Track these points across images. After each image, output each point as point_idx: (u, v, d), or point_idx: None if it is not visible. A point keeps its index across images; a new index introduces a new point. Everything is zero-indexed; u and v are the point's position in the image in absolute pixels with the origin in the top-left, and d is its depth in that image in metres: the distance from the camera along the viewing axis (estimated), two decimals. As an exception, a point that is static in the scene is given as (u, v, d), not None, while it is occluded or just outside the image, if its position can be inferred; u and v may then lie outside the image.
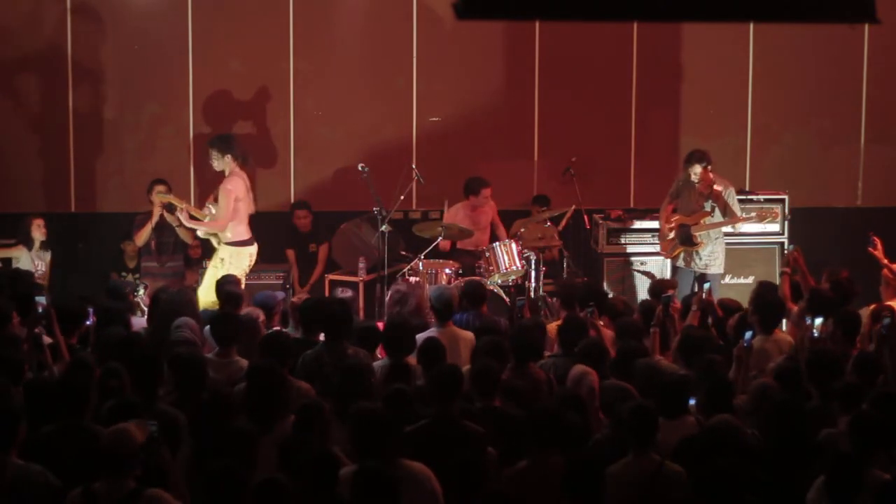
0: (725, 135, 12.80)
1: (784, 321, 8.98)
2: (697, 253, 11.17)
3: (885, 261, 10.09)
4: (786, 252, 10.91)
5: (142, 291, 9.76)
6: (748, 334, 7.69)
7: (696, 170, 11.09)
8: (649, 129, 13.06)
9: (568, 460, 5.74)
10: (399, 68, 12.74)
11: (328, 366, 7.53)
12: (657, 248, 11.94)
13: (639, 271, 12.06)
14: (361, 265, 11.72)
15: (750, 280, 11.60)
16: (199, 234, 10.86)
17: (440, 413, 6.51)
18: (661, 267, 12.02)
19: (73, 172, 12.50)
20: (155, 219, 11.21)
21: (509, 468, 6.08)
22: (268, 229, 12.16)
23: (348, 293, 9.45)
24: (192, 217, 10.62)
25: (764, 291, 8.83)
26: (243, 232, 10.65)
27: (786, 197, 12.17)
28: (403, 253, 11.80)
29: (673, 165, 12.89)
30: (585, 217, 12.15)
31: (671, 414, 6.55)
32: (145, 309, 9.53)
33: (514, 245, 11.32)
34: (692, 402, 6.79)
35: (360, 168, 11.42)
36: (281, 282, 12.07)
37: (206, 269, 10.93)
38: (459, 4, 5.51)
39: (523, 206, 12.59)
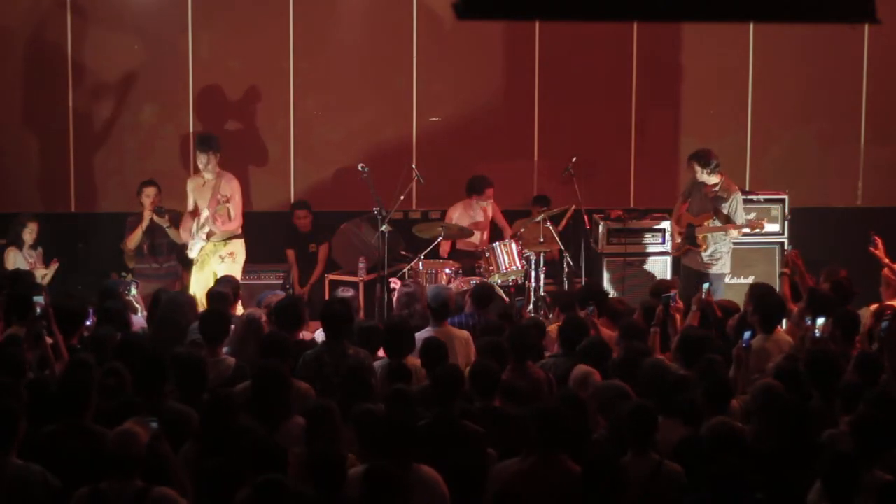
0: (725, 135, 12.80)
1: (784, 321, 8.98)
2: (699, 252, 11.18)
3: (886, 260, 10.09)
4: (785, 253, 10.93)
5: (133, 291, 9.76)
6: (747, 334, 7.70)
7: (696, 168, 11.11)
8: (649, 130, 13.06)
9: (587, 461, 5.74)
10: (399, 68, 12.74)
11: (328, 366, 7.53)
12: (657, 248, 11.95)
13: (638, 271, 12.05)
14: (361, 265, 11.72)
15: (750, 280, 11.59)
16: (219, 235, 10.87)
17: (440, 413, 6.51)
18: (661, 267, 12.02)
19: (73, 172, 12.50)
20: (145, 223, 11.21)
21: (508, 468, 6.07)
22: (268, 229, 12.19)
23: (350, 292, 9.42)
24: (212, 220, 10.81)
25: (762, 292, 8.83)
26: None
27: (786, 197, 12.17)
28: (403, 253, 11.80)
29: (673, 165, 12.91)
30: (585, 217, 12.15)
31: (673, 413, 6.55)
32: (138, 307, 9.54)
33: (514, 245, 11.32)
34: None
35: (360, 168, 11.42)
36: (281, 282, 12.08)
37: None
38: (459, 4, 5.51)
39: (523, 206, 12.59)
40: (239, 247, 11.04)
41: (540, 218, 11.68)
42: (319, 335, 8.27)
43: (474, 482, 5.75)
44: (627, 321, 8.39)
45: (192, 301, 8.97)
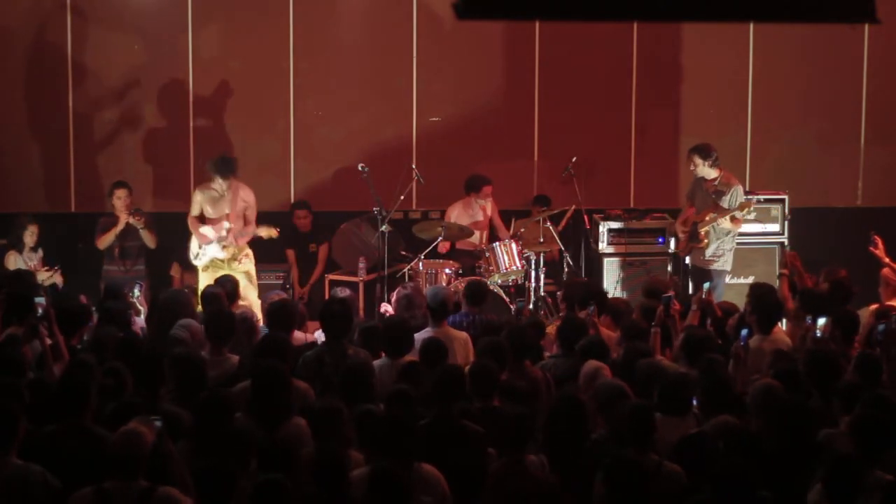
0: (725, 135, 12.79)
1: (784, 321, 8.98)
2: (701, 249, 11.19)
3: (887, 259, 10.10)
4: (785, 252, 10.93)
5: (137, 292, 9.75)
6: (745, 332, 7.70)
7: (697, 161, 11.13)
8: (649, 130, 13.06)
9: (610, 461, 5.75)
10: (399, 68, 12.74)
11: (328, 366, 7.53)
12: (657, 248, 11.95)
13: (638, 271, 12.05)
14: (361, 265, 11.72)
15: (750, 280, 11.59)
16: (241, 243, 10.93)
17: (440, 413, 6.51)
18: (661, 267, 12.01)
19: (73, 172, 12.50)
20: (121, 227, 11.16)
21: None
22: (268, 229, 12.18)
23: (346, 292, 9.43)
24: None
25: (761, 292, 8.84)
26: None
27: (786, 197, 12.16)
28: (403, 253, 11.80)
29: (673, 165, 12.91)
30: (585, 217, 12.15)
31: (674, 413, 6.55)
32: (141, 309, 9.53)
33: (514, 245, 11.32)
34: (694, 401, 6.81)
35: (360, 168, 11.42)
36: (281, 282, 12.08)
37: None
38: (459, 4, 5.50)
39: (523, 206, 12.59)
40: (248, 250, 11.12)
41: (539, 218, 11.67)
42: (319, 335, 8.27)
43: (474, 482, 5.74)
44: (629, 321, 8.39)
45: (189, 301, 8.97)
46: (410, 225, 11.90)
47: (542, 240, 11.63)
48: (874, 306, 9.08)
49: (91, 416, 6.32)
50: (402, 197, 11.59)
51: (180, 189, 12.60)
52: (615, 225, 12.12)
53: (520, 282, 11.50)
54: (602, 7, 5.78)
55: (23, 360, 7.15)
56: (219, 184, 10.80)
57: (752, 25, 12.68)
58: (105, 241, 11.23)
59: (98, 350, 7.65)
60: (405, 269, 11.28)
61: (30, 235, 11.11)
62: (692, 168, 11.25)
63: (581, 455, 6.13)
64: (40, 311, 7.73)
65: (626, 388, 6.77)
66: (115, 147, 12.56)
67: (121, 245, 11.26)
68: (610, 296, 10.12)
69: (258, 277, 11.55)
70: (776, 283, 10.25)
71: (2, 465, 5.82)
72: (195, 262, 10.98)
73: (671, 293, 8.64)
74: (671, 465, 6.13)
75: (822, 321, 8.03)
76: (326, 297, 11.29)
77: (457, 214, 12.01)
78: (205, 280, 10.80)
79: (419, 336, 8.12)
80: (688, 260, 11.52)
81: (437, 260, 11.38)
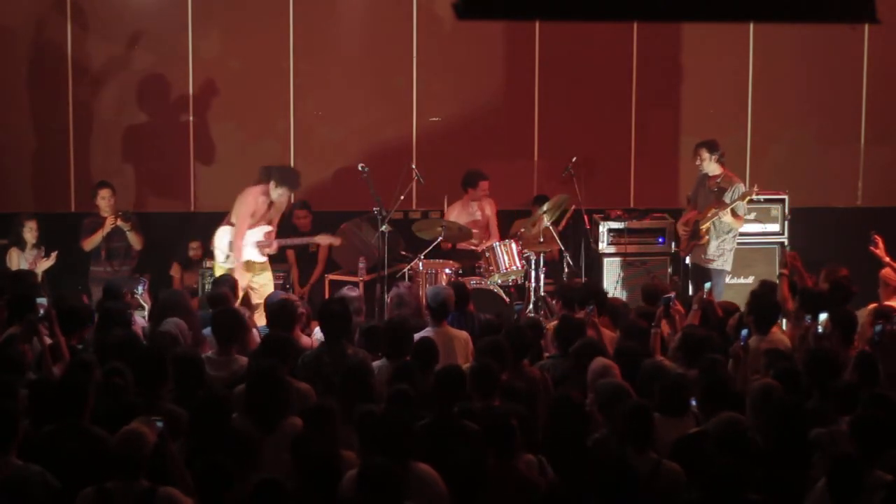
0: (725, 135, 12.76)
1: (784, 321, 8.98)
2: (702, 246, 11.19)
3: (887, 259, 10.09)
4: (785, 252, 10.93)
5: (141, 289, 9.74)
6: (744, 332, 7.70)
7: (704, 155, 11.14)
8: (649, 129, 13.06)
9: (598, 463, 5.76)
10: (399, 68, 12.74)
11: (328, 366, 7.53)
12: (657, 248, 11.95)
13: (638, 271, 12.05)
14: (361, 265, 11.71)
15: (750, 280, 11.60)
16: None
17: (440, 413, 6.51)
18: (661, 267, 12.01)
19: (73, 172, 12.50)
20: (108, 226, 11.14)
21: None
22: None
23: (355, 292, 9.41)
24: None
25: (760, 293, 8.84)
26: None
27: (786, 197, 12.16)
28: (403, 253, 11.80)
29: (673, 165, 12.92)
30: (585, 217, 12.15)
31: (672, 413, 6.55)
32: (145, 305, 9.53)
33: (514, 245, 11.32)
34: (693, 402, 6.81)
35: (360, 168, 11.41)
36: (281, 282, 12.06)
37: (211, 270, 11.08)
38: (459, 4, 5.51)
39: (523, 206, 12.59)
40: None
41: (543, 212, 11.65)
42: (319, 335, 8.26)
43: (474, 482, 5.74)
44: (628, 321, 8.39)
45: (185, 301, 8.95)
46: (410, 225, 11.90)
47: (542, 240, 11.62)
48: (872, 306, 9.07)
49: (89, 417, 6.31)
50: (402, 197, 11.59)
51: (180, 189, 12.62)
52: (615, 225, 12.12)
53: (520, 282, 11.49)
54: (602, 7, 5.78)
55: (23, 360, 7.15)
56: (277, 193, 10.76)
57: (752, 25, 12.68)
58: (92, 242, 11.19)
59: (99, 350, 7.66)
60: (405, 269, 11.28)
61: (29, 232, 11.11)
62: (698, 162, 11.26)
63: (581, 455, 6.12)
64: (42, 311, 7.73)
65: (627, 388, 6.77)
66: (114, 147, 12.55)
67: (107, 246, 11.24)
68: (609, 296, 10.11)
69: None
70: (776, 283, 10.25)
71: (1, 466, 5.82)
72: (224, 264, 10.91)
73: (672, 294, 8.65)
74: (670, 464, 6.14)
75: (822, 316, 8.00)
76: (327, 297, 11.29)
77: (456, 214, 12.01)
78: (240, 277, 10.82)
79: (419, 335, 8.11)
80: (688, 260, 11.52)
81: (437, 260, 11.37)
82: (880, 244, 10.26)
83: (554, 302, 10.21)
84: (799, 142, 13.12)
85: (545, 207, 11.60)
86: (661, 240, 12.09)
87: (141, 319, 9.13)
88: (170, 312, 8.36)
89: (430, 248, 11.37)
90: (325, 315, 7.94)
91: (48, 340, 7.59)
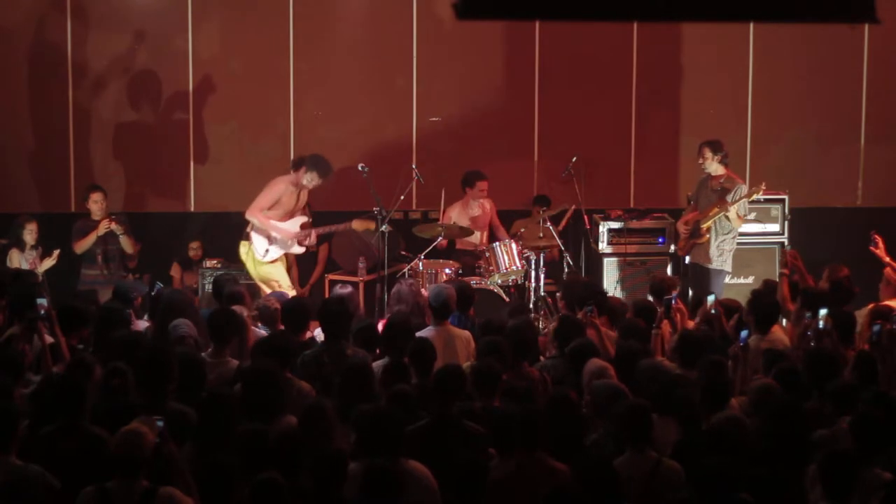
0: (725, 135, 12.74)
1: (784, 321, 8.97)
2: (702, 246, 11.19)
3: (888, 259, 10.09)
4: (785, 251, 10.92)
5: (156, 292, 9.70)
6: (744, 333, 7.70)
7: (707, 154, 11.14)
8: (649, 129, 13.06)
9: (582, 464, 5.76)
10: (399, 68, 12.74)
11: (328, 366, 7.53)
12: (657, 248, 11.95)
13: (638, 271, 12.05)
14: (361, 265, 11.71)
15: (750, 280, 11.61)
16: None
17: (441, 413, 6.51)
18: (661, 267, 12.01)
19: (73, 172, 12.50)
20: (102, 229, 11.12)
21: (498, 468, 6.07)
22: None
23: (347, 289, 9.41)
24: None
25: (759, 292, 8.83)
26: None
27: (786, 197, 12.16)
28: (403, 253, 11.80)
29: (673, 165, 12.92)
30: (585, 217, 12.15)
31: (667, 412, 6.56)
32: None
33: (514, 245, 11.32)
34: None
35: (360, 168, 11.42)
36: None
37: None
38: (459, 4, 5.50)
39: (523, 206, 12.59)
40: None
41: (540, 219, 11.66)
42: (318, 334, 8.26)
43: (475, 482, 5.74)
44: (628, 321, 8.39)
45: (191, 301, 8.96)
46: (410, 225, 11.90)
47: (542, 240, 11.62)
48: (872, 305, 9.07)
49: (89, 416, 6.31)
50: (402, 197, 11.59)
51: (180, 189, 12.61)
52: (615, 225, 12.12)
53: (520, 282, 11.49)
54: (602, 7, 5.78)
55: (22, 360, 7.14)
56: (307, 178, 10.81)
57: (752, 25, 12.68)
58: (84, 244, 11.17)
59: (101, 350, 7.65)
60: (405, 269, 11.28)
61: (29, 233, 11.10)
62: (700, 161, 11.25)
63: (578, 456, 6.11)
64: (42, 311, 7.71)
65: (623, 389, 6.77)
66: (114, 147, 12.55)
67: (104, 249, 11.23)
68: (609, 296, 10.10)
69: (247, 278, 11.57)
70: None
71: (2, 465, 5.82)
72: (266, 257, 10.93)
73: (672, 294, 8.64)
74: (670, 462, 6.14)
75: (823, 311, 7.99)
76: (326, 296, 11.29)
77: (456, 214, 12.01)
78: (277, 274, 10.84)
79: (420, 335, 8.10)
80: (688, 260, 11.52)
81: (437, 260, 11.38)
82: (880, 244, 10.25)
83: (557, 299, 10.19)
84: (799, 142, 13.12)
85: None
86: (661, 240, 12.10)
87: (143, 322, 9.10)
88: (176, 312, 8.35)
89: (430, 248, 11.38)
90: (324, 315, 7.93)
91: (49, 340, 7.58)
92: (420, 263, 11.16)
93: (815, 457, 5.96)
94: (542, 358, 8.31)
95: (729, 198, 11.10)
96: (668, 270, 11.96)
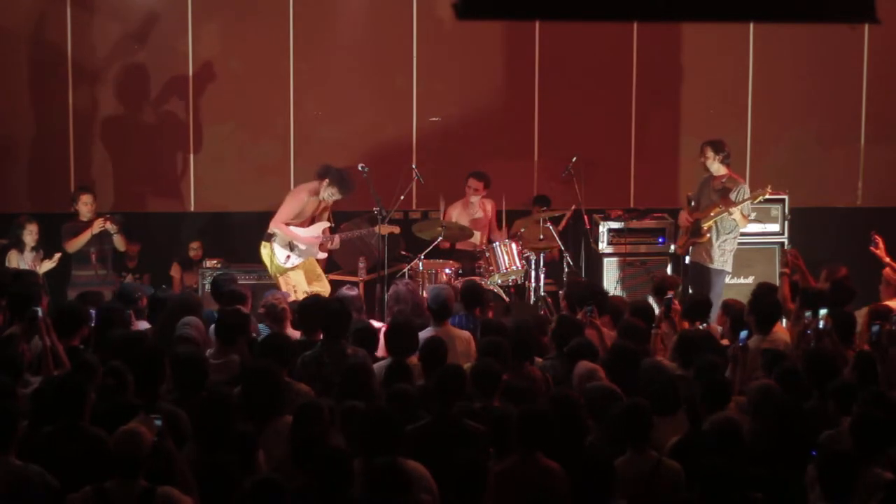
0: (725, 135, 12.74)
1: (784, 321, 8.97)
2: (703, 245, 11.19)
3: (888, 259, 10.09)
4: (785, 251, 10.92)
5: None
6: (744, 333, 7.70)
7: (709, 153, 11.14)
8: (649, 129, 13.06)
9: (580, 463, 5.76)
10: (399, 68, 12.74)
11: (328, 366, 7.53)
12: (657, 248, 11.95)
13: (638, 271, 12.05)
14: (361, 265, 11.71)
15: (750, 280, 11.61)
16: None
17: (441, 412, 6.51)
18: (661, 267, 12.01)
19: (73, 173, 12.50)
20: (96, 230, 11.10)
21: (497, 466, 6.08)
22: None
23: (354, 291, 9.42)
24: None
25: (762, 292, 8.83)
26: None
27: (786, 197, 12.16)
28: (403, 253, 11.80)
29: (673, 165, 12.91)
30: (585, 217, 12.15)
31: (663, 412, 6.56)
32: None
33: (514, 245, 11.32)
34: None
35: (360, 168, 11.41)
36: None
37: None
38: (459, 4, 5.50)
39: (523, 206, 12.59)
40: None
41: (540, 218, 11.66)
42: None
43: (475, 482, 5.74)
44: (627, 321, 8.39)
45: (199, 302, 8.95)
46: (410, 225, 11.90)
47: (541, 237, 11.62)
48: (872, 305, 9.07)
49: (89, 417, 6.31)
50: (402, 197, 11.60)
51: (180, 189, 12.61)
52: (615, 225, 12.12)
53: (520, 282, 11.49)
54: (602, 7, 5.78)
55: (21, 360, 7.14)
56: (328, 192, 10.86)
57: (752, 25, 12.68)
58: (77, 244, 11.15)
59: (100, 350, 7.64)
60: (405, 269, 11.28)
61: (29, 235, 11.08)
62: (702, 160, 11.25)
63: (576, 456, 6.11)
64: (40, 313, 7.70)
65: (617, 391, 6.76)
66: (115, 147, 12.55)
67: (99, 249, 11.22)
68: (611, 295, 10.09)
69: (259, 278, 11.57)
70: (777, 283, 10.23)
71: (2, 465, 5.82)
72: (287, 264, 10.96)
73: (671, 293, 8.64)
74: (670, 462, 6.14)
75: (823, 311, 7.99)
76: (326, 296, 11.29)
77: (457, 214, 12.01)
78: (295, 279, 10.90)
79: (421, 335, 8.10)
80: (688, 259, 11.51)
81: (437, 260, 11.37)
82: (881, 244, 10.26)
83: (560, 298, 10.18)
84: (799, 142, 13.12)
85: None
86: (661, 240, 12.10)
87: (144, 323, 9.09)
88: (184, 313, 8.35)
89: (430, 248, 11.38)
90: (325, 315, 7.93)
91: (49, 340, 7.57)
92: (420, 263, 11.15)
93: (820, 455, 5.96)
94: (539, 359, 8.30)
95: (732, 196, 11.09)
96: (668, 270, 11.96)
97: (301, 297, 10.39)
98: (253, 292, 9.92)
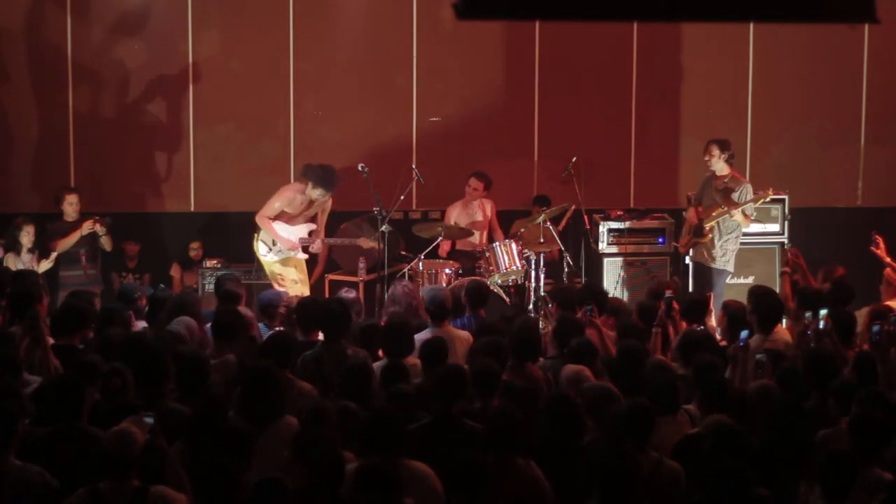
0: (725, 135, 12.75)
1: (785, 320, 8.97)
2: (705, 245, 11.19)
3: (888, 259, 10.09)
4: (786, 250, 10.93)
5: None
6: (744, 333, 7.69)
7: (714, 151, 11.13)
8: (649, 129, 13.06)
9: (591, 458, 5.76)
10: (399, 68, 12.74)
11: (328, 366, 7.53)
12: (657, 248, 11.95)
13: (638, 271, 12.05)
14: (361, 265, 11.71)
15: (750, 280, 11.60)
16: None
17: (441, 412, 6.51)
18: (661, 267, 12.02)
19: (73, 173, 12.50)
20: (85, 231, 11.10)
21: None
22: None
23: (352, 294, 9.42)
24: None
25: (760, 292, 8.83)
26: None
27: (786, 197, 12.15)
28: (403, 253, 11.80)
29: (673, 165, 12.91)
30: (585, 217, 12.15)
31: (663, 412, 6.56)
32: None
33: (514, 245, 11.32)
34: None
35: (360, 168, 11.42)
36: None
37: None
38: (459, 4, 5.50)
39: (523, 206, 12.59)
40: None
41: (540, 219, 11.66)
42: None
43: (476, 482, 5.74)
44: (626, 321, 8.39)
45: (197, 301, 8.96)
46: (410, 225, 11.90)
47: (542, 240, 11.62)
48: (873, 305, 9.07)
49: (89, 417, 6.31)
50: (402, 197, 11.60)
51: (180, 189, 12.61)
52: (615, 225, 12.12)
53: (520, 282, 11.49)
54: (602, 7, 5.77)
55: (19, 360, 7.14)
56: (315, 193, 10.93)
57: (752, 25, 12.68)
58: (65, 244, 11.15)
59: (101, 350, 7.64)
60: (405, 269, 11.28)
61: (26, 236, 11.08)
62: (707, 159, 11.24)
63: (575, 456, 6.11)
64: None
65: (613, 390, 6.76)
66: (114, 147, 12.55)
67: (90, 249, 11.22)
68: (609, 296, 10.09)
69: (259, 278, 11.57)
70: (777, 283, 10.24)
71: (2, 465, 5.82)
72: (266, 258, 11.04)
73: (670, 293, 8.64)
74: (670, 463, 6.14)
75: (823, 311, 7.99)
76: (327, 297, 11.29)
77: (457, 214, 12.01)
78: (283, 271, 11.00)
79: (420, 337, 8.10)
80: (688, 259, 11.51)
81: (437, 260, 11.38)
82: (881, 244, 10.26)
83: (550, 305, 10.21)
84: (799, 142, 13.12)
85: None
86: (661, 240, 12.10)
87: (143, 323, 9.09)
88: (181, 313, 8.35)
89: (430, 248, 11.38)
90: (325, 316, 7.93)
91: (50, 340, 7.58)
92: (420, 263, 11.16)
93: (819, 455, 5.96)
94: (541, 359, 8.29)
95: (734, 197, 11.09)
96: (668, 270, 11.96)
97: (288, 286, 10.60)
98: (253, 292, 9.96)
